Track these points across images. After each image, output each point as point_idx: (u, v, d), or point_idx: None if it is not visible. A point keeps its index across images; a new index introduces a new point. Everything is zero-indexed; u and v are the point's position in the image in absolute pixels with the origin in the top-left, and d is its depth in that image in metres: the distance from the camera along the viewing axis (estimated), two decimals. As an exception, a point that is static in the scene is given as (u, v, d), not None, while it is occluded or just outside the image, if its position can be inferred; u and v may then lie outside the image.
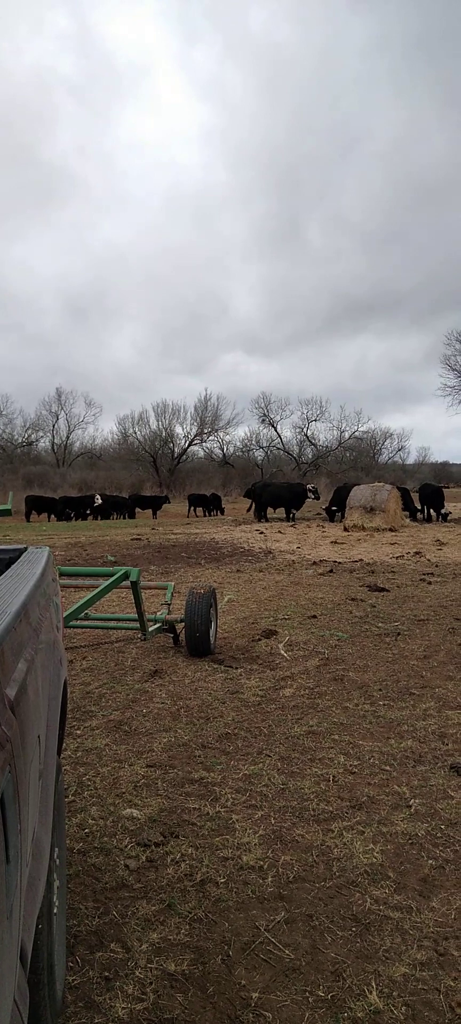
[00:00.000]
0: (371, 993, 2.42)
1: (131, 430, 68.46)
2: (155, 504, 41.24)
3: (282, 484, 38.27)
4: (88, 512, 38.30)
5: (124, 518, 39.15)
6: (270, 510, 33.55)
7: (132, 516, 39.56)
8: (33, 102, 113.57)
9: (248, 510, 33.19)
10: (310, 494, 34.22)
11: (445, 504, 30.51)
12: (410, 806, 3.79)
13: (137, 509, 40.65)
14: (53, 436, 72.16)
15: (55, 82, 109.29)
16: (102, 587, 6.28)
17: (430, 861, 3.26)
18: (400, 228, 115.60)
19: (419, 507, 31.41)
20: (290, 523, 30.43)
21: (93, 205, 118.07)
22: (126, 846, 3.40)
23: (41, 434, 71.55)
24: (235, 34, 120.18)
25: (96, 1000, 2.39)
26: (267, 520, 32.12)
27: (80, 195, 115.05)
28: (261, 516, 32.79)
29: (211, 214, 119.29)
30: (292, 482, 40.70)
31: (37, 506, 37.87)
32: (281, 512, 34.05)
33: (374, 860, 3.26)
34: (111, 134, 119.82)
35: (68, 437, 72.74)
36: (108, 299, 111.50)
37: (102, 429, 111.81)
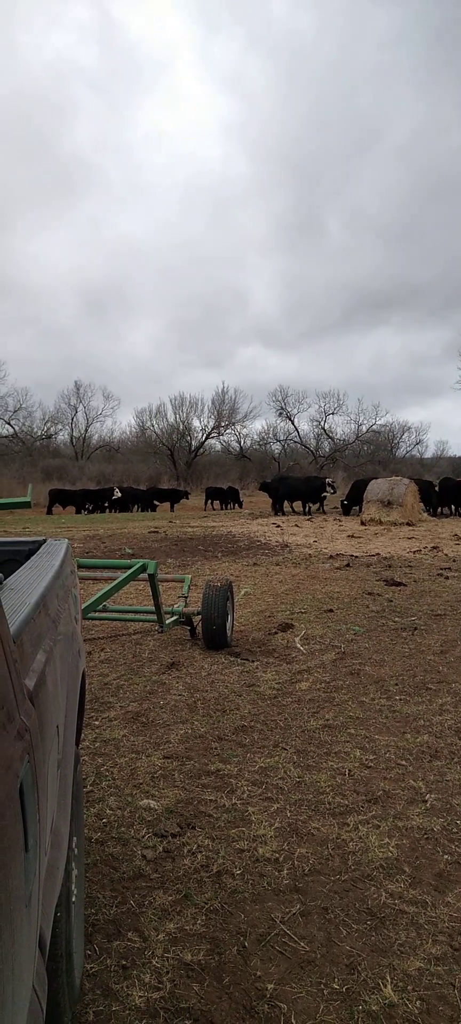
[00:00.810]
0: (386, 987, 2.43)
1: (149, 423, 68.57)
2: (174, 497, 41.37)
3: (299, 478, 38.24)
4: (106, 505, 38.50)
5: (142, 511, 39.34)
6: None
7: (153, 508, 39.71)
8: (52, 95, 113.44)
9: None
10: (329, 488, 34.10)
11: None
12: (426, 801, 3.79)
13: (155, 502, 40.78)
14: (72, 429, 72.51)
15: (74, 74, 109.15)
16: (120, 579, 6.33)
17: (445, 856, 3.26)
18: (418, 221, 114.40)
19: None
20: (307, 517, 30.39)
21: (112, 198, 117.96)
22: (143, 836, 3.43)
23: (60, 427, 71.94)
24: (256, 25, 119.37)
25: (114, 988, 2.42)
26: (284, 514, 32.10)
27: (99, 188, 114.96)
28: (278, 510, 32.79)
29: (229, 207, 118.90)
30: (309, 476, 40.64)
31: (60, 499, 38.17)
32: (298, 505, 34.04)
33: (389, 854, 3.27)
34: (130, 127, 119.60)
35: (86, 430, 73.01)
36: (126, 293, 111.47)
37: (120, 422, 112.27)
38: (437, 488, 31.51)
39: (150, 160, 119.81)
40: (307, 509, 33.25)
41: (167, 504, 41.03)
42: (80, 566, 6.92)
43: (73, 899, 2.24)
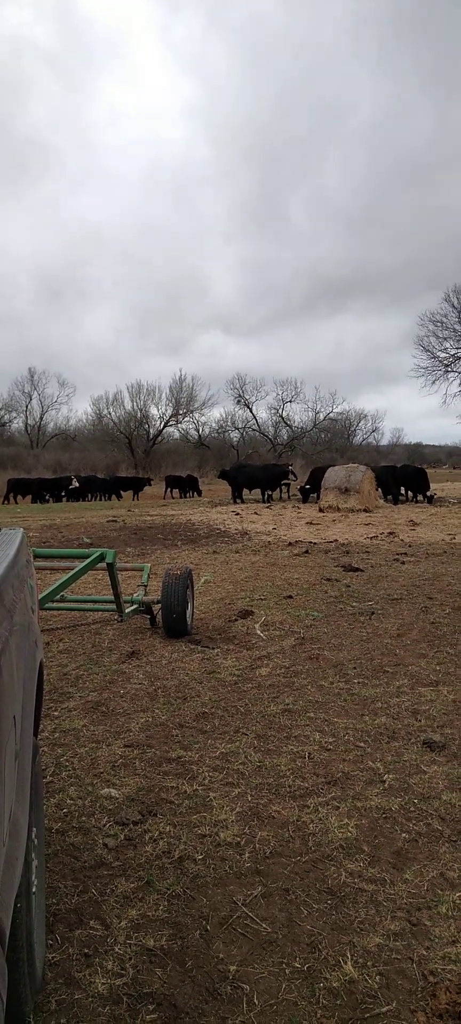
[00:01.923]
0: (346, 963, 2.47)
1: (105, 411, 67.89)
2: (136, 485, 41.24)
3: (258, 466, 38.40)
4: (63, 494, 38.05)
5: (108, 499, 39.02)
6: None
7: (119, 496, 39.56)
8: (6, 73, 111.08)
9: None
10: (291, 476, 34.30)
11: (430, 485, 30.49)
12: (384, 781, 3.86)
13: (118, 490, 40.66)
14: (26, 417, 71.51)
15: (30, 52, 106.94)
16: (78, 569, 6.26)
17: (403, 835, 3.33)
18: (383, 209, 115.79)
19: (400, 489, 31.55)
20: (266, 504, 30.52)
21: (69, 180, 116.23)
22: (104, 825, 3.42)
23: (14, 415, 70.91)
24: (218, 4, 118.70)
25: (76, 976, 2.41)
26: (243, 502, 32.19)
27: (56, 170, 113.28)
28: (237, 498, 32.86)
29: (191, 191, 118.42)
30: (268, 463, 40.85)
31: (18, 488, 37.60)
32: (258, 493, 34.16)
33: (349, 834, 3.32)
34: (89, 107, 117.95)
35: (42, 418, 72.09)
36: (84, 278, 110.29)
37: (76, 410, 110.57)
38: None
39: (109, 142, 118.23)
40: (266, 497, 33.40)
41: (126, 493, 40.84)
42: (36, 556, 6.82)
43: (33, 889, 2.22)
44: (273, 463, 42.20)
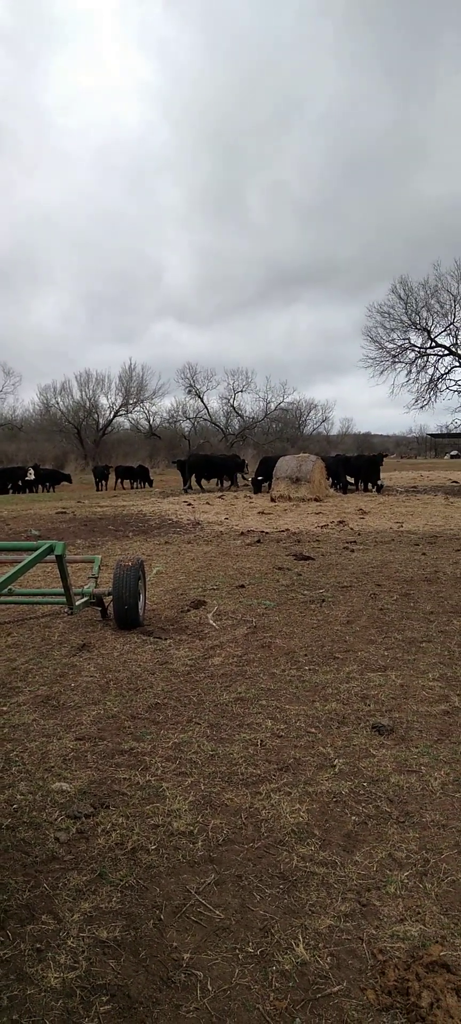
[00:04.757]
0: (298, 946, 2.51)
1: (53, 400, 66.78)
2: (106, 474, 41.36)
3: (214, 456, 38.56)
4: (20, 484, 37.55)
5: (49, 491, 38.56)
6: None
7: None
8: None
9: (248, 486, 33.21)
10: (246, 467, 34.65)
11: (380, 475, 30.99)
12: (334, 766, 3.92)
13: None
14: (-31, 407, 69.74)
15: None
16: (25, 562, 6.13)
17: (353, 817, 3.39)
18: (339, 199, 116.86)
19: (350, 478, 31.96)
20: (218, 495, 30.57)
21: (22, 161, 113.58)
22: (56, 819, 3.39)
23: (-45, 405, 69.09)
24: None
25: (28, 972, 2.39)
26: (193, 491, 32.17)
27: (7, 150, 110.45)
28: (188, 487, 32.83)
29: (148, 177, 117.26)
30: (227, 454, 41.07)
31: None
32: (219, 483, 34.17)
33: (300, 819, 3.37)
34: (43, 87, 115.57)
35: (-15, 408, 70.40)
36: (34, 262, 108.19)
37: (22, 399, 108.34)
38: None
39: (64, 123, 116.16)
40: (226, 485, 33.50)
41: (66, 485, 40.71)
42: (-16, 548, 6.68)
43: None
44: (228, 454, 42.43)
